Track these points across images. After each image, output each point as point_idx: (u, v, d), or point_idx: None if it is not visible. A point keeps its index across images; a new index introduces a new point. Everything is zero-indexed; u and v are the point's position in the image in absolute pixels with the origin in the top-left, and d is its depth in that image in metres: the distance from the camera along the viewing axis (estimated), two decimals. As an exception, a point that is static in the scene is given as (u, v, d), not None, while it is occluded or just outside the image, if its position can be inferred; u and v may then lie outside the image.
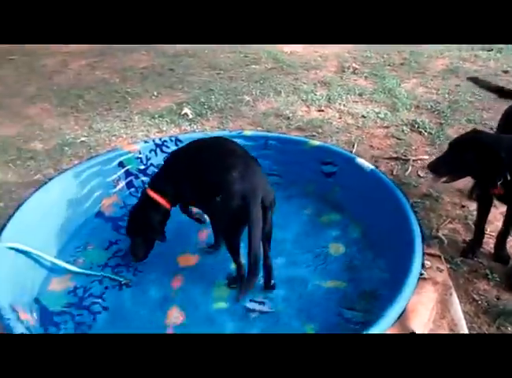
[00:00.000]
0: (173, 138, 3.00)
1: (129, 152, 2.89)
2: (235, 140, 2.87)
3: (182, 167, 2.23)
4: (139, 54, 5.53)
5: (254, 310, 2.12)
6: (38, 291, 2.23)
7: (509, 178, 2.04)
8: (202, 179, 2.12)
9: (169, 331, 2.03)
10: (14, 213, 2.31)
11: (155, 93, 4.51)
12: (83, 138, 3.73)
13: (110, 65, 5.25)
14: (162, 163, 2.44)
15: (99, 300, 2.21)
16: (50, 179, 2.65)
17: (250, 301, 2.16)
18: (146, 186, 2.35)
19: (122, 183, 2.88)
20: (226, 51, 5.58)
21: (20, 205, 2.39)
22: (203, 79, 4.83)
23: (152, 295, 2.23)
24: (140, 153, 2.92)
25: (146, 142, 2.98)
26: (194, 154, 2.24)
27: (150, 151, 2.95)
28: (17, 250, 2.16)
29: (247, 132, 3.03)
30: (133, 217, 2.33)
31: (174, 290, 2.25)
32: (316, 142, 2.85)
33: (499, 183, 2.07)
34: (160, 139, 2.99)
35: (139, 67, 5.19)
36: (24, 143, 3.69)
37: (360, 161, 2.65)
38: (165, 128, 3.83)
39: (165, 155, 2.97)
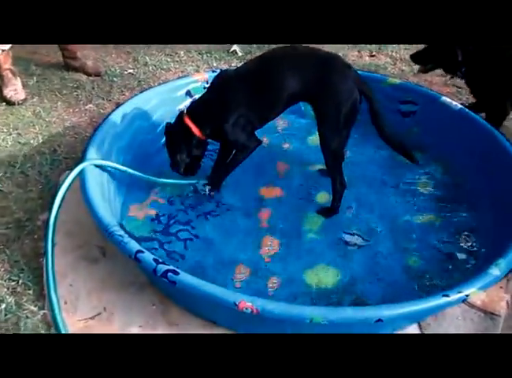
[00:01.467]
0: (242, 70, 2.83)
1: (197, 81, 2.74)
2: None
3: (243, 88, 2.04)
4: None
5: (350, 243, 2.05)
6: (120, 217, 2.12)
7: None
8: (280, 90, 2.02)
9: (267, 259, 1.96)
10: (89, 140, 2.18)
11: (197, 30, 4.27)
12: (130, 71, 3.53)
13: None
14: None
15: (188, 227, 2.11)
16: (117, 106, 2.50)
17: (345, 232, 2.09)
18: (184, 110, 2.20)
19: (189, 113, 2.74)
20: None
21: (94, 131, 2.26)
22: (244, 19, 4.58)
23: (241, 225, 2.15)
24: (208, 83, 2.76)
25: (213, 71, 2.82)
26: (262, 68, 2.06)
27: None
28: (102, 169, 2.05)
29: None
30: (169, 143, 2.20)
31: (263, 220, 2.16)
32: (396, 80, 2.71)
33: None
34: (226, 69, 2.81)
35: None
36: (66, 73, 3.48)
37: (446, 99, 2.54)
38: (214, 64, 3.66)
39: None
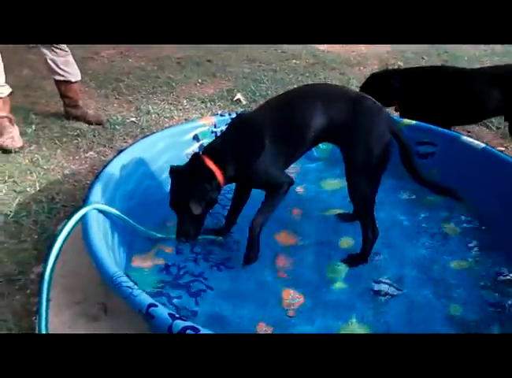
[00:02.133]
0: (250, 114, 2.73)
1: (204, 125, 2.63)
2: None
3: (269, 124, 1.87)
4: (171, 46, 5.27)
5: (381, 293, 1.84)
6: (124, 268, 1.91)
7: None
8: (306, 129, 1.88)
9: (291, 313, 1.74)
10: (92, 185, 2.01)
11: (199, 80, 4.26)
12: (132, 119, 3.45)
13: (144, 55, 4.98)
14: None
15: (200, 279, 1.90)
16: (123, 149, 2.36)
17: (374, 281, 1.89)
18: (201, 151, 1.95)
19: (196, 159, 2.60)
20: (262, 47, 5.38)
21: (96, 176, 2.10)
22: (245, 71, 4.61)
23: (258, 276, 1.93)
24: (215, 127, 2.65)
25: (221, 115, 2.72)
26: (285, 107, 1.92)
27: (226, 125, 2.67)
28: (105, 215, 1.86)
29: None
30: (180, 188, 1.85)
31: (281, 269, 1.96)
32: (411, 121, 2.62)
33: None
34: (236, 113, 2.72)
35: (175, 57, 4.93)
36: (67, 122, 3.38)
37: (467, 138, 2.43)
38: (219, 112, 3.57)
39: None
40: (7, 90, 2.95)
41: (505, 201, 2.17)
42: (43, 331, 1.52)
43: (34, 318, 1.73)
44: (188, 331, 1.26)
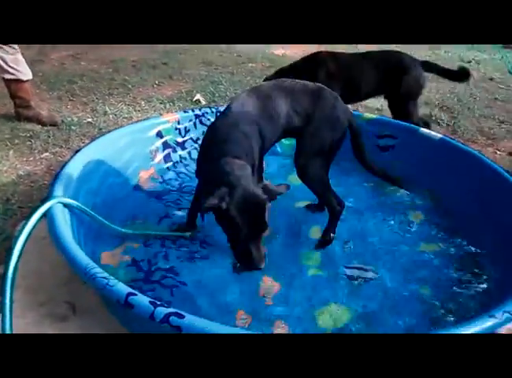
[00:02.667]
0: (214, 110, 2.73)
1: (168, 121, 2.58)
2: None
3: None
4: (125, 48, 5.16)
5: (354, 277, 1.87)
6: (91, 265, 1.82)
7: None
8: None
9: (269, 302, 1.73)
10: (54, 180, 1.92)
11: (156, 82, 4.20)
12: (88, 120, 3.33)
13: (96, 57, 4.84)
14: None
15: (171, 274, 1.84)
16: (83, 146, 2.27)
17: (346, 267, 1.91)
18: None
19: (160, 156, 2.56)
20: (216, 50, 5.40)
21: (59, 172, 2.00)
22: (202, 73, 4.58)
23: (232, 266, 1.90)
24: (179, 124, 2.62)
25: (185, 111, 2.68)
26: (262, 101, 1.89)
27: (189, 121, 2.65)
28: (70, 211, 1.77)
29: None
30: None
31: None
32: (371, 116, 2.70)
33: None
34: (200, 110, 2.70)
35: (130, 60, 4.84)
36: (18, 123, 3.21)
37: (425, 130, 2.53)
38: (177, 112, 3.52)
39: (204, 128, 2.69)
40: None
41: (463, 188, 2.27)
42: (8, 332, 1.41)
43: (-5, 321, 1.61)
44: (172, 318, 1.21)
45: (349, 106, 2.15)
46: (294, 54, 5.55)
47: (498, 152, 3.37)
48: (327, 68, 2.86)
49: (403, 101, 2.89)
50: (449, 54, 6.03)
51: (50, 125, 3.17)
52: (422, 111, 3.91)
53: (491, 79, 5.14)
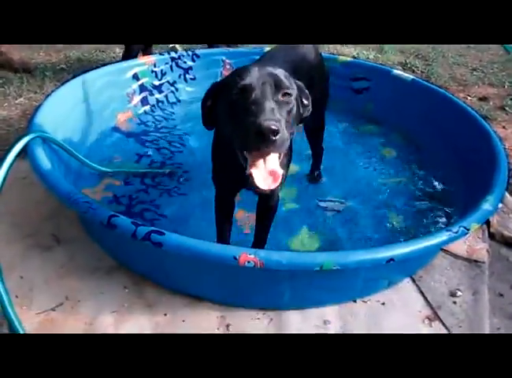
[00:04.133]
0: (190, 53, 2.72)
1: (144, 63, 2.57)
2: (257, 57, 2.71)
3: None
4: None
5: (327, 208, 1.97)
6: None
7: None
8: None
9: (247, 231, 1.82)
10: (30, 120, 1.91)
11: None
12: (62, 66, 3.28)
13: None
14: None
15: (151, 207, 1.91)
16: (61, 84, 2.26)
17: (320, 200, 2.01)
18: None
19: (137, 98, 2.57)
20: None
21: (34, 113, 1.98)
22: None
23: (210, 201, 1.97)
24: (155, 67, 2.61)
25: (161, 54, 2.67)
26: None
27: (166, 64, 2.65)
28: (50, 147, 1.79)
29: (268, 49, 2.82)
30: None
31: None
32: (347, 58, 2.73)
33: None
34: (176, 53, 2.69)
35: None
36: (-13, 69, 3.14)
37: (397, 72, 2.59)
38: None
39: (180, 71, 2.70)
40: None
41: (434, 126, 2.36)
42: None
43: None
44: (153, 235, 1.28)
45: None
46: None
47: (469, 97, 3.46)
48: None
49: None
50: None
51: (24, 71, 3.11)
52: (397, 59, 3.98)
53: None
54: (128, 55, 2.83)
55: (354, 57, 3.92)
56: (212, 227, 1.67)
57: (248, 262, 1.23)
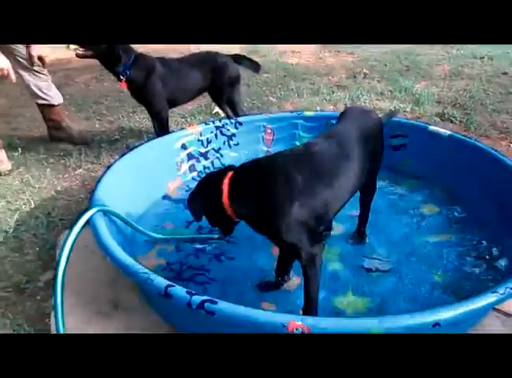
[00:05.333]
0: (233, 121, 2.91)
1: (191, 133, 2.77)
2: (296, 121, 2.87)
3: None
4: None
5: (372, 268, 2.00)
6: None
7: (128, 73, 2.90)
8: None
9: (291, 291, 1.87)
10: (92, 194, 2.11)
11: (176, 97, 4.40)
12: (116, 137, 3.55)
13: (118, 78, 5.10)
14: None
15: (202, 271, 2.01)
16: (118, 158, 2.47)
17: (364, 257, 2.05)
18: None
19: (185, 166, 2.75)
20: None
21: (94, 187, 2.18)
22: (219, 86, 4.77)
23: (258, 263, 2.06)
24: (201, 135, 2.80)
25: (206, 124, 2.86)
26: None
27: (211, 133, 2.84)
28: (109, 218, 1.95)
29: (308, 113, 2.98)
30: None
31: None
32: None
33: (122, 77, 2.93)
34: (220, 121, 2.89)
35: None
36: (51, 144, 3.46)
37: (434, 128, 2.65)
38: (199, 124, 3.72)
39: (224, 138, 2.88)
40: None
41: (475, 180, 2.37)
42: (61, 330, 1.57)
43: (47, 320, 1.80)
44: (206, 304, 1.37)
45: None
46: (307, 62, 5.74)
47: (511, 145, 3.44)
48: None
49: (227, 91, 3.20)
50: (461, 51, 6.09)
51: (82, 144, 3.40)
52: (434, 110, 4.03)
53: (505, 73, 5.19)
54: (163, 126, 3.13)
55: (391, 111, 4.06)
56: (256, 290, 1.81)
57: (296, 329, 1.28)
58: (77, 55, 2.90)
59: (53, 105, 3.36)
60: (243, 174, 1.63)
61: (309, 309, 1.64)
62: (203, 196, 1.65)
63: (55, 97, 3.35)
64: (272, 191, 1.53)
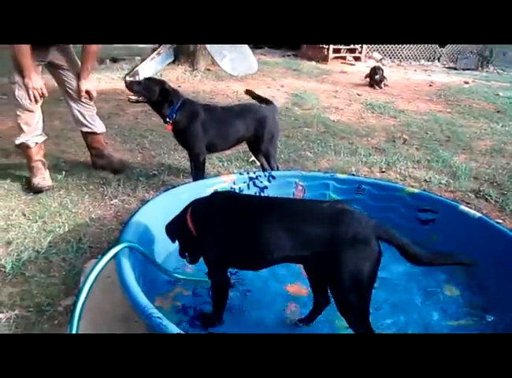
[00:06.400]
0: (267, 174, 3.00)
1: (225, 181, 2.87)
2: (328, 182, 2.94)
3: None
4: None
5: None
6: (146, 305, 2.06)
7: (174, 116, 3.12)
8: None
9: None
10: (124, 228, 2.23)
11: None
12: (154, 172, 3.71)
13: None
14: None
15: (214, 320, 2.05)
16: (150, 199, 2.59)
17: (377, 334, 2.03)
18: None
19: (215, 212, 2.82)
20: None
21: (127, 221, 2.31)
22: (260, 135, 4.93)
23: (268, 320, 2.08)
24: (235, 184, 2.90)
25: (240, 174, 2.97)
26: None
27: (244, 183, 2.93)
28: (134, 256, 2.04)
29: (340, 175, 3.04)
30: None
31: (290, 317, 2.12)
32: (414, 190, 2.86)
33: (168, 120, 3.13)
34: (254, 173, 2.99)
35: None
36: (94, 171, 3.65)
37: (464, 208, 2.65)
38: (235, 171, 3.83)
39: (256, 189, 2.96)
40: (43, 137, 3.35)
41: (499, 267, 2.34)
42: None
43: (61, 347, 1.87)
44: (212, 359, 1.40)
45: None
46: (348, 120, 5.86)
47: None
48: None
49: (266, 144, 3.34)
50: (506, 128, 6.08)
51: (121, 171, 3.58)
52: (470, 185, 4.01)
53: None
54: (199, 168, 3.30)
55: (425, 181, 4.08)
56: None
57: None
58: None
59: (95, 133, 3.58)
60: (197, 204, 2.06)
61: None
62: (175, 221, 2.08)
63: (98, 126, 3.59)
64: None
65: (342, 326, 1.92)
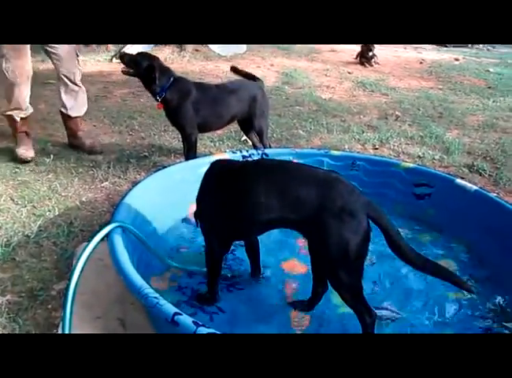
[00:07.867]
0: (260, 152, 2.94)
1: (217, 160, 2.81)
2: (322, 159, 2.89)
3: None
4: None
5: (383, 317, 1.97)
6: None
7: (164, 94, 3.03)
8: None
9: (299, 332, 1.86)
10: (115, 209, 2.17)
11: (208, 121, 4.49)
12: (145, 153, 3.63)
13: (155, 95, 5.25)
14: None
15: (212, 300, 2.02)
16: (141, 179, 2.53)
17: (376, 308, 2.01)
18: None
19: (208, 191, 2.77)
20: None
21: (118, 202, 2.25)
22: (251, 114, 4.85)
23: (266, 298, 2.06)
24: (228, 163, 2.84)
25: (233, 152, 2.91)
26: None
27: (236, 162, 2.87)
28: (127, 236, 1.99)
29: (335, 152, 3.00)
30: None
31: (289, 295, 2.09)
32: (409, 164, 2.83)
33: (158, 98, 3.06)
34: (247, 151, 2.93)
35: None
36: (83, 154, 3.56)
37: (460, 181, 2.63)
38: (227, 151, 3.77)
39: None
40: (30, 110, 3.36)
41: (497, 239, 2.33)
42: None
43: (55, 330, 1.83)
44: (211, 337, 1.37)
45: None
46: (340, 98, 5.79)
47: (540, 206, 3.37)
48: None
49: (258, 121, 3.32)
50: (497, 103, 6.05)
51: (91, 153, 3.54)
52: (463, 160, 3.99)
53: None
54: (192, 148, 3.23)
55: (419, 157, 4.05)
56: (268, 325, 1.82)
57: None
58: (122, 71, 3.10)
59: (70, 116, 3.57)
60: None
61: None
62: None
63: (74, 109, 3.55)
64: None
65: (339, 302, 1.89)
